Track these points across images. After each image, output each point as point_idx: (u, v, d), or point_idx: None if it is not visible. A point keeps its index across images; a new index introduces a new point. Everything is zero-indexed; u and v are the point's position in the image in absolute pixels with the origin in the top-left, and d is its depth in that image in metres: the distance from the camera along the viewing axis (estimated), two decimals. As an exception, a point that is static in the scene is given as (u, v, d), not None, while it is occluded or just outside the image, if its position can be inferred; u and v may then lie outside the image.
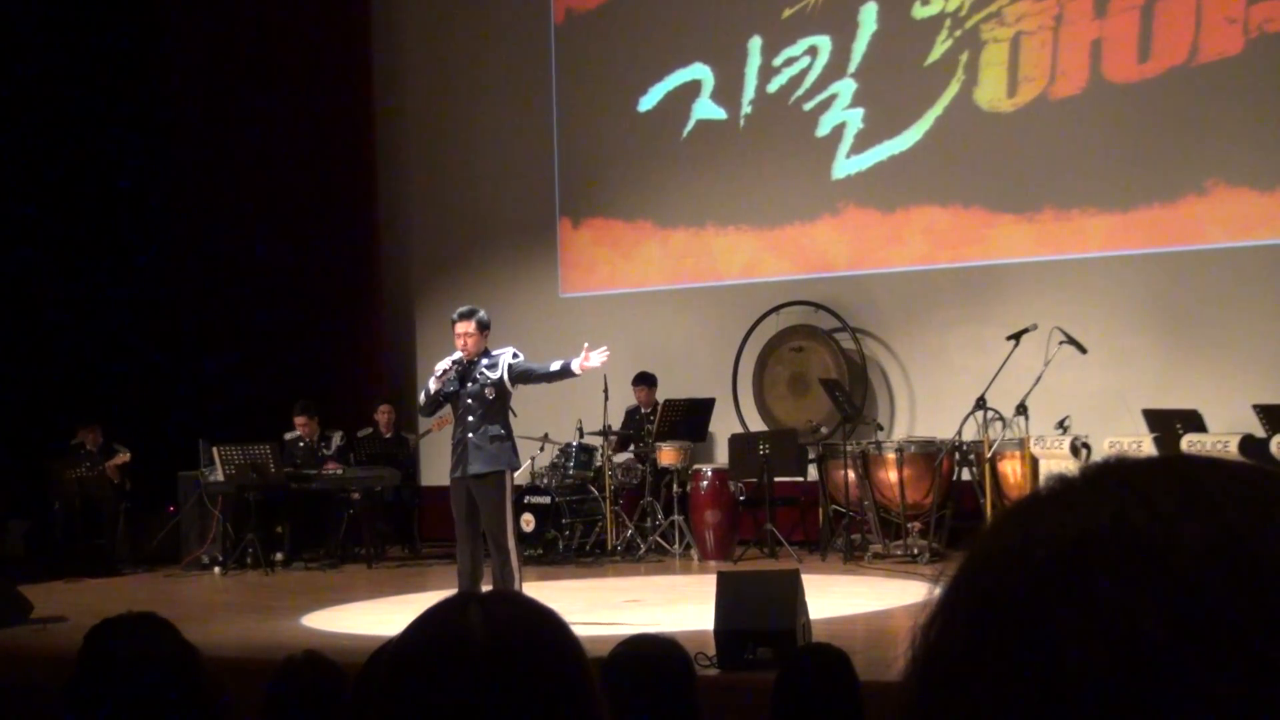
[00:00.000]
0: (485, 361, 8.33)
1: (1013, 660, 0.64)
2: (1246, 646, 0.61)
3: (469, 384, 8.32)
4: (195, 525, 12.88)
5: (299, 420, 13.11)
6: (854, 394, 12.21)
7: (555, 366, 8.31)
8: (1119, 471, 0.69)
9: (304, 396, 13.27)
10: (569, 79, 14.19)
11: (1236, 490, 0.66)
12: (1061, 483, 0.70)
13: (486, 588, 7.89)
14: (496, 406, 8.30)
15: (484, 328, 8.34)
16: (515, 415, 8.58)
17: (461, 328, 8.30)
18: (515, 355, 8.37)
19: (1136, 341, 11.64)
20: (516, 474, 8.76)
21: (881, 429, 12.08)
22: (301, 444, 13.10)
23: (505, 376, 8.28)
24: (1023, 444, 10.56)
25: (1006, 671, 0.64)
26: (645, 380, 12.82)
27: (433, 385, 8.38)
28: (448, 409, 8.68)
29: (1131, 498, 0.66)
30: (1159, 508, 0.65)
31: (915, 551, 10.85)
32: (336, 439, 13.17)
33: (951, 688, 0.66)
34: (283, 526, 12.80)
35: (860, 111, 12.92)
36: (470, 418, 8.32)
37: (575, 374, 8.33)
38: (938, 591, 0.70)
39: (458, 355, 8.36)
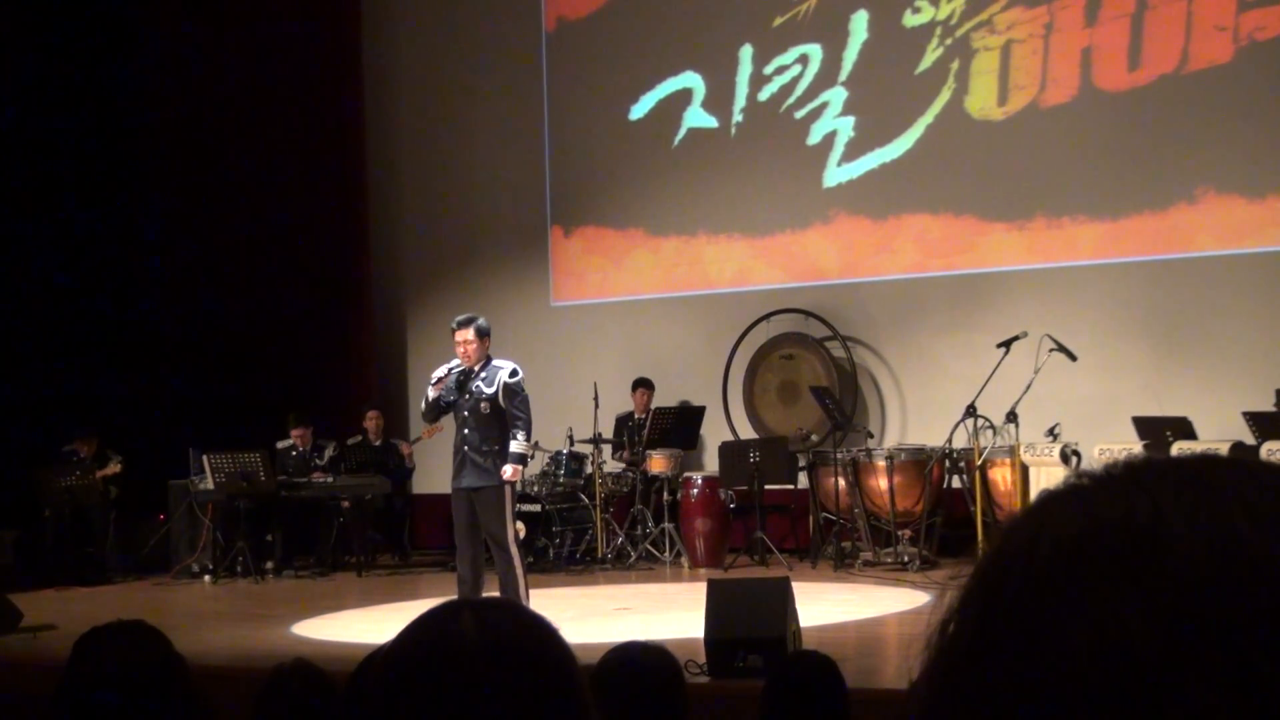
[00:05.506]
0: (483, 375, 8.38)
1: (1011, 657, 0.63)
2: (1236, 653, 0.60)
3: (467, 395, 8.38)
4: (185, 533, 12.87)
5: (295, 432, 13.16)
6: (844, 402, 12.22)
7: (515, 443, 8.33)
8: (1137, 470, 0.68)
9: (297, 408, 13.26)
10: (560, 87, 14.18)
11: (1253, 496, 0.65)
12: (1079, 480, 0.69)
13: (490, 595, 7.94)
14: (493, 420, 8.36)
15: (483, 335, 8.41)
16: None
17: (460, 336, 8.38)
18: (514, 374, 8.40)
19: (1127, 349, 11.65)
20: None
21: (872, 436, 12.09)
22: (294, 453, 13.11)
23: (500, 395, 8.34)
24: (1013, 451, 10.57)
25: (1006, 668, 0.64)
26: (645, 384, 12.83)
27: (431, 393, 8.45)
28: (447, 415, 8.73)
29: (1142, 497, 0.65)
30: (1166, 509, 0.64)
31: (905, 559, 10.85)
32: (329, 450, 13.17)
33: (956, 684, 0.66)
34: (273, 535, 12.77)
35: (851, 120, 12.93)
36: (467, 430, 8.41)
37: (508, 458, 8.34)
38: (954, 590, 0.69)
39: (455, 363, 8.41)
